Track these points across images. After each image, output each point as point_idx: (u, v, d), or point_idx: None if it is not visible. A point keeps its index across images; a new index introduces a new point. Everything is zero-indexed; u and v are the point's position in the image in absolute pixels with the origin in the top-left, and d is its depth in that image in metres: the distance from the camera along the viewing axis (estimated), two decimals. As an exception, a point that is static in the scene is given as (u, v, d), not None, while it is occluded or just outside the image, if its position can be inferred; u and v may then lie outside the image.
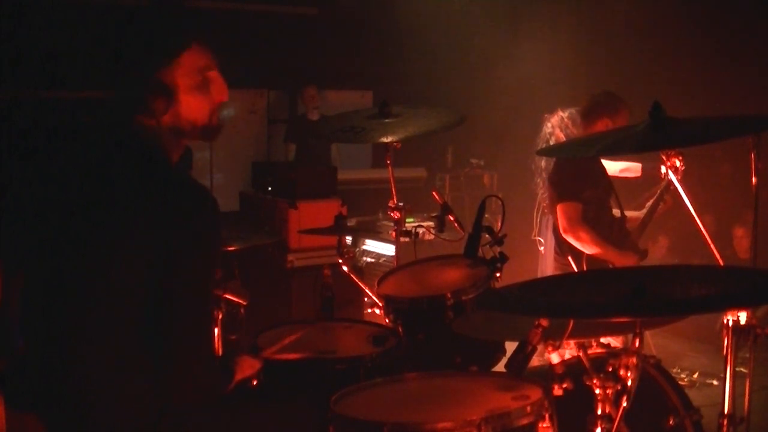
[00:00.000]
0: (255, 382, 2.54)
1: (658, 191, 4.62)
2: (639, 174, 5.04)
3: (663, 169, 4.43)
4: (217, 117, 2.30)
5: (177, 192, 2.16)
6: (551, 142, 5.99)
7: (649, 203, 4.67)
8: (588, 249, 4.29)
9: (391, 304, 2.96)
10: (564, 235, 4.34)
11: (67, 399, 2.14)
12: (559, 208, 4.35)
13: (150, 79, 2.18)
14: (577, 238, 4.29)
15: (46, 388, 2.16)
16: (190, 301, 2.12)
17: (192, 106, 2.22)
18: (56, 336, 2.15)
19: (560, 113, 5.93)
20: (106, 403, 2.13)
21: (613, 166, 4.95)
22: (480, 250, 2.93)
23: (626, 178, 5.13)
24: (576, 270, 4.32)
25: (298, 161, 7.91)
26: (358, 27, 8.73)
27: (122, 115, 2.24)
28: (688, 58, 7.51)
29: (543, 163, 6.09)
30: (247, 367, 2.46)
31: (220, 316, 3.31)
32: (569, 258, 4.38)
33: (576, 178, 4.36)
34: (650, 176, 4.75)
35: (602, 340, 2.90)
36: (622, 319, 2.05)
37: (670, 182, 4.41)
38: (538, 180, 6.21)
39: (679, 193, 3.90)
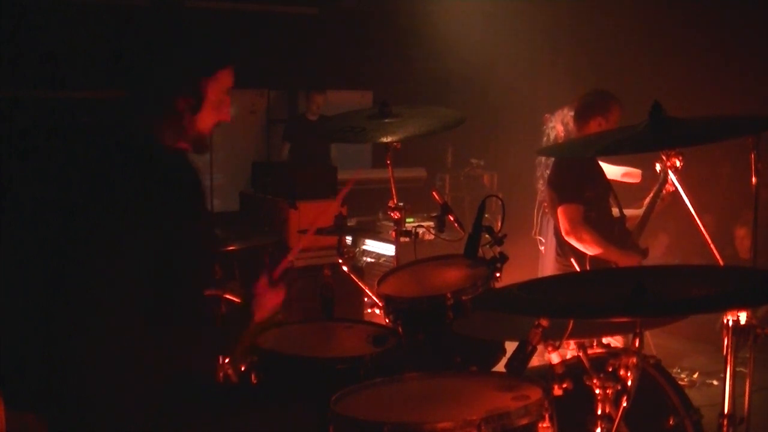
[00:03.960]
0: (255, 381, 2.54)
1: (655, 188, 4.62)
2: (639, 180, 5.03)
3: (657, 167, 4.47)
4: (211, 133, 2.40)
5: (165, 177, 2.19)
6: (551, 138, 6.01)
7: (647, 200, 4.67)
8: (590, 250, 4.27)
9: (391, 304, 2.96)
10: (566, 238, 4.32)
11: (66, 399, 2.14)
12: (560, 211, 4.34)
13: (190, 81, 2.27)
14: (580, 240, 4.28)
15: (46, 388, 2.16)
16: (186, 261, 2.16)
17: (205, 119, 2.32)
18: (56, 336, 2.15)
19: (566, 110, 5.94)
20: (105, 403, 2.13)
21: (613, 170, 4.93)
22: (480, 250, 2.93)
23: (627, 183, 5.12)
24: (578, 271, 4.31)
25: (293, 160, 7.90)
26: (358, 27, 8.73)
27: (137, 110, 2.28)
28: (688, 58, 7.51)
29: (544, 161, 6.11)
30: (269, 302, 2.49)
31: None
32: (572, 259, 4.36)
33: (576, 179, 4.35)
34: (650, 184, 4.74)
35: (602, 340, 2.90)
36: (622, 319, 2.05)
37: (667, 179, 4.44)
38: (539, 175, 6.23)
39: (676, 189, 3.91)
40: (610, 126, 4.38)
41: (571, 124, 5.55)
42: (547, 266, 5.88)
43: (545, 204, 6.10)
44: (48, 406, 2.16)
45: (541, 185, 6.14)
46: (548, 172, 4.87)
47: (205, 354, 2.32)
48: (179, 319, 2.14)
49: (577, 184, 4.34)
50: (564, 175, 4.40)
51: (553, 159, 4.84)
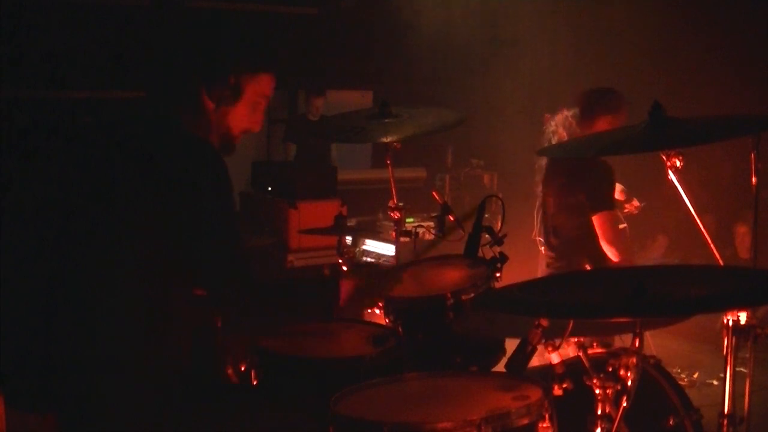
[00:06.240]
0: (255, 381, 2.54)
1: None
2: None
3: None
4: (239, 140, 2.46)
5: (168, 165, 2.20)
6: (554, 142, 5.97)
7: None
8: (619, 258, 4.17)
9: (391, 304, 2.96)
10: (607, 245, 4.18)
11: (67, 398, 2.14)
12: (600, 218, 4.19)
13: (232, 73, 2.33)
14: (618, 248, 4.17)
15: (46, 388, 2.17)
16: (203, 244, 2.21)
17: (238, 117, 2.38)
18: (57, 335, 2.16)
19: (565, 112, 5.90)
20: (106, 402, 2.13)
21: None
22: (480, 250, 2.93)
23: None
24: None
25: (298, 161, 7.92)
26: (358, 27, 8.73)
27: (166, 101, 2.32)
28: (688, 58, 7.51)
29: (544, 163, 6.08)
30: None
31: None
32: (586, 267, 4.25)
33: (610, 184, 4.26)
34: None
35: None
36: (622, 319, 2.05)
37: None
38: (539, 180, 6.19)
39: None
40: (617, 126, 4.20)
41: (574, 127, 5.52)
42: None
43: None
44: (49, 405, 2.16)
45: (541, 189, 6.12)
46: (560, 171, 4.79)
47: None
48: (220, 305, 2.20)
49: (611, 189, 4.26)
50: (600, 180, 4.24)
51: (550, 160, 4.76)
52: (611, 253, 4.20)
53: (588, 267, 4.23)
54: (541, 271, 5.51)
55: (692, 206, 2.75)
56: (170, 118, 2.29)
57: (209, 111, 2.33)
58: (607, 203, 4.22)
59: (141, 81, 2.41)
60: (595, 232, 4.22)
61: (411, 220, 5.50)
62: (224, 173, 2.25)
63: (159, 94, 2.35)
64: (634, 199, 4.66)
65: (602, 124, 4.26)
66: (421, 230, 3.57)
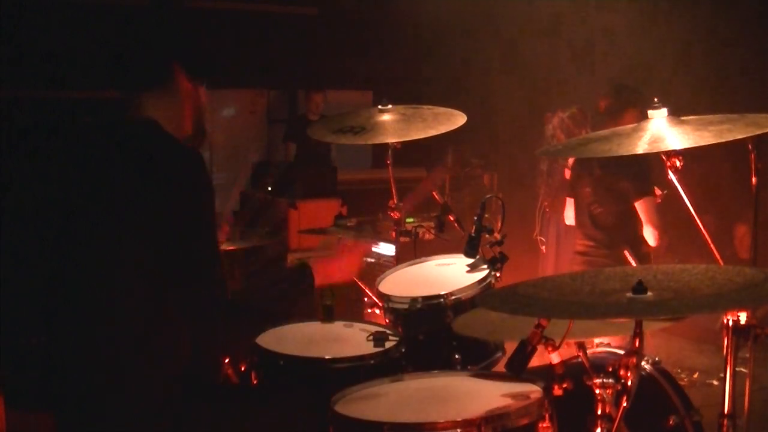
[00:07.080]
0: (255, 381, 2.54)
1: None
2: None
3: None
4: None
5: (166, 169, 2.21)
6: (553, 143, 6.00)
7: None
8: (659, 242, 4.48)
9: (391, 304, 2.96)
10: (652, 229, 4.45)
11: (66, 398, 2.14)
12: (644, 203, 4.46)
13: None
14: (660, 232, 4.45)
15: (46, 388, 2.17)
16: (197, 247, 2.19)
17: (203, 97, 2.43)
18: (57, 336, 2.16)
19: (560, 114, 5.93)
20: (105, 402, 2.13)
21: None
22: (480, 250, 2.93)
23: None
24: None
25: (298, 161, 7.92)
26: (358, 27, 8.73)
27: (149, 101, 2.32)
28: (689, 58, 7.51)
29: (545, 166, 6.10)
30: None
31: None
32: (626, 252, 4.42)
33: (650, 171, 4.48)
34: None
35: (600, 340, 2.90)
36: (622, 320, 2.05)
37: None
38: (541, 182, 6.21)
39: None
40: (639, 118, 4.44)
41: (572, 128, 5.58)
42: (548, 266, 5.87)
43: (546, 204, 6.09)
44: (48, 405, 2.16)
45: (544, 190, 6.14)
46: (596, 162, 4.89)
47: (220, 348, 2.36)
48: (198, 316, 2.18)
49: (651, 176, 4.47)
50: (641, 167, 4.47)
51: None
52: (653, 237, 4.48)
53: (628, 252, 4.41)
54: (542, 270, 5.53)
55: (692, 206, 2.75)
56: (151, 119, 2.28)
57: (186, 93, 2.34)
58: (650, 189, 4.49)
59: (110, 79, 2.39)
60: (634, 218, 4.49)
61: (411, 220, 5.49)
62: (208, 177, 2.29)
63: (135, 91, 2.34)
64: (655, 187, 4.76)
65: (629, 118, 4.47)
66: (421, 230, 3.58)
